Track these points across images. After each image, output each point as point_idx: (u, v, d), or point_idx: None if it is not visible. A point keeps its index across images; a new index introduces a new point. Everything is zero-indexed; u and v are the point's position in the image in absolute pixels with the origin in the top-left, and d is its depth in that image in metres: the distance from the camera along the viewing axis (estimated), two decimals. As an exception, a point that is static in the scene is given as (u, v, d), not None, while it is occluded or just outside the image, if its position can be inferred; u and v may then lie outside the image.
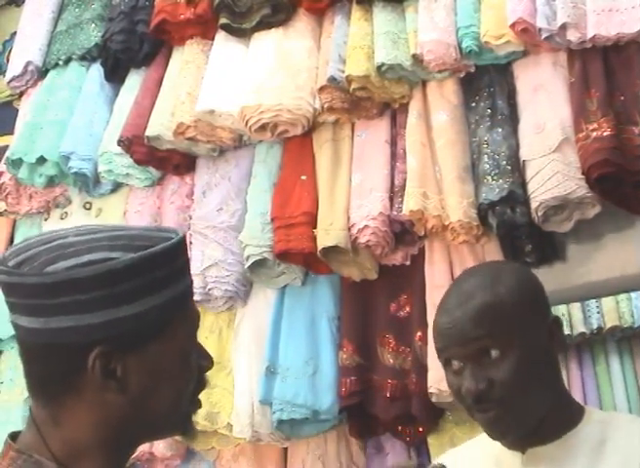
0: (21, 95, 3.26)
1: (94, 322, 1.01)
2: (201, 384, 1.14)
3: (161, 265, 1.05)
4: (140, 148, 2.74)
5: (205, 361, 1.14)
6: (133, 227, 1.13)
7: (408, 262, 2.44)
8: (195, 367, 1.12)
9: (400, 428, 2.36)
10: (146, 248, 1.04)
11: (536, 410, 1.42)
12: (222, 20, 2.73)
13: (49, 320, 1.01)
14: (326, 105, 2.52)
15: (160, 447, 2.59)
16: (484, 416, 1.42)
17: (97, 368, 1.02)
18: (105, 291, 1.01)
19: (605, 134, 2.11)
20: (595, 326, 3.63)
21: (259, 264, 2.52)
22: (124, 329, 1.02)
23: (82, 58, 3.10)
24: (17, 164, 2.94)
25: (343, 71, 2.46)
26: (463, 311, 1.42)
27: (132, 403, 1.05)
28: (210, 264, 2.56)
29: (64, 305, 1.00)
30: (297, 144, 2.64)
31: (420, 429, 2.34)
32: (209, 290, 2.57)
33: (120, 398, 1.04)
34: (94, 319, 1.01)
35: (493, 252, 2.32)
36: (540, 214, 2.19)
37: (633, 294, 3.59)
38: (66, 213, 3.05)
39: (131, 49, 2.94)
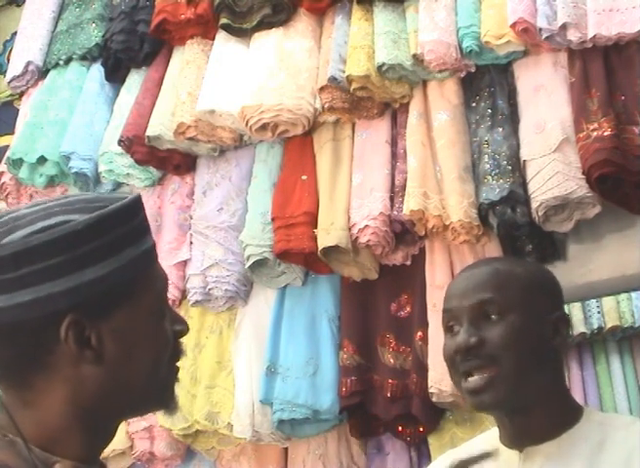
0: (22, 94, 3.26)
1: (58, 290, 0.96)
2: (177, 351, 1.09)
3: (121, 224, 1.01)
4: (141, 148, 2.74)
5: (179, 325, 1.09)
6: (85, 193, 1.10)
7: (408, 262, 2.44)
8: (170, 331, 1.07)
9: (401, 428, 2.36)
10: (103, 208, 1.00)
11: (522, 387, 1.42)
12: (223, 21, 2.73)
13: (12, 296, 0.96)
14: (326, 105, 2.52)
15: (160, 446, 2.59)
16: (471, 384, 1.41)
17: (70, 337, 0.98)
18: (66, 255, 0.96)
19: (605, 133, 2.12)
20: (596, 325, 3.63)
21: (259, 264, 2.53)
22: (91, 293, 0.98)
23: (82, 57, 3.10)
24: (17, 164, 2.94)
25: (344, 71, 2.46)
26: (473, 275, 1.49)
27: (108, 373, 1.01)
28: (210, 264, 2.56)
29: (25, 276, 0.96)
30: (297, 144, 2.64)
31: (421, 429, 2.35)
32: (209, 290, 2.57)
33: (96, 370, 1.00)
34: (57, 287, 0.96)
35: (493, 251, 2.32)
36: (540, 213, 2.19)
37: (634, 294, 3.60)
38: (67, 212, 3.05)
39: (131, 49, 2.94)
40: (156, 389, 1.07)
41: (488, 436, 1.55)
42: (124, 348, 1.02)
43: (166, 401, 1.10)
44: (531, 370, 1.43)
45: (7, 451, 0.97)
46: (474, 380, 1.41)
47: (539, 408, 1.44)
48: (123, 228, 1.01)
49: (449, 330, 1.47)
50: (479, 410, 1.49)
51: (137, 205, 1.05)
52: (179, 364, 1.10)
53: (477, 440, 1.60)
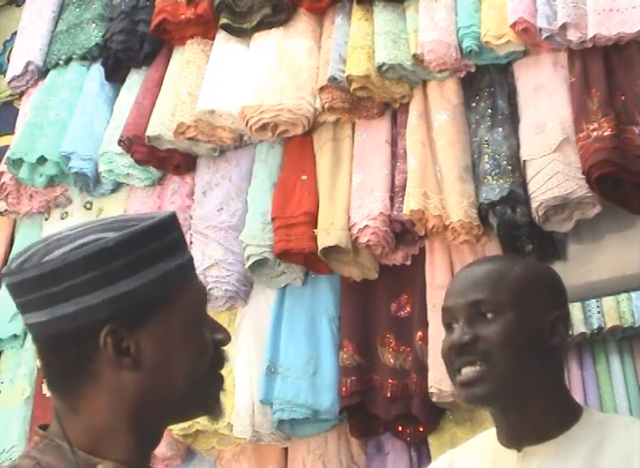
0: (22, 94, 3.26)
1: (95, 302, 1.03)
2: (219, 358, 1.14)
3: (152, 240, 1.07)
4: (141, 148, 2.74)
5: (220, 334, 1.15)
6: (125, 214, 1.16)
7: (408, 262, 2.44)
8: (209, 340, 1.12)
9: (400, 428, 2.36)
10: (136, 226, 1.07)
11: (514, 383, 1.42)
12: (223, 20, 2.73)
13: (54, 309, 1.04)
14: (326, 105, 2.52)
15: (161, 446, 2.57)
16: (463, 377, 1.43)
17: (109, 346, 1.04)
18: (101, 269, 1.03)
19: (605, 133, 2.12)
20: (596, 325, 3.63)
21: (259, 264, 2.53)
22: (126, 304, 1.05)
23: (82, 57, 3.10)
24: (17, 164, 2.94)
25: (344, 71, 2.46)
26: (469, 274, 1.51)
27: (148, 379, 1.07)
28: (210, 264, 2.56)
29: (65, 291, 1.03)
30: (297, 144, 2.64)
31: (421, 429, 2.35)
32: (209, 289, 2.56)
33: (135, 376, 1.06)
34: (95, 299, 1.03)
35: (493, 251, 2.32)
36: (540, 213, 2.19)
37: (634, 294, 3.59)
38: (67, 212, 3.05)
39: (131, 49, 2.94)
40: (197, 395, 1.12)
41: (487, 436, 1.55)
42: (161, 355, 1.08)
43: (209, 406, 1.15)
44: (524, 366, 1.43)
45: (53, 455, 1.05)
46: (466, 373, 1.43)
47: (536, 406, 1.44)
48: (155, 244, 1.07)
49: (448, 327, 1.49)
50: (470, 404, 1.49)
51: (169, 222, 1.11)
52: (222, 371, 1.15)
53: (476, 439, 1.60)
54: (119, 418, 1.07)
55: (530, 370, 1.43)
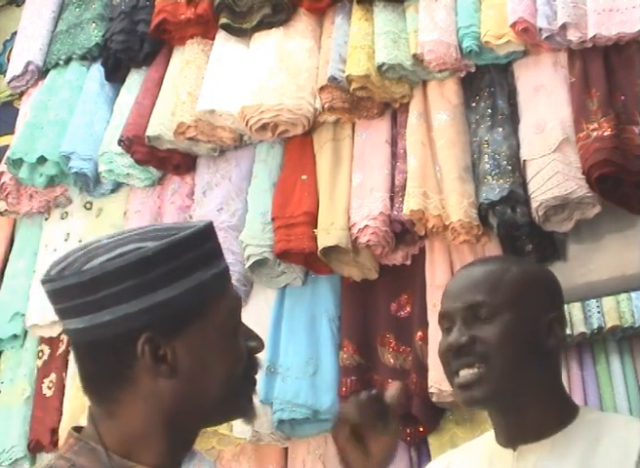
0: (22, 94, 3.26)
1: (133, 310, 1.05)
2: (253, 365, 1.17)
3: (190, 250, 1.09)
4: (141, 148, 2.74)
5: (253, 342, 1.17)
6: (162, 224, 1.18)
7: (408, 262, 2.44)
8: (243, 348, 1.14)
9: (400, 428, 2.36)
10: (174, 235, 1.09)
11: (512, 384, 1.42)
12: (223, 20, 2.73)
13: (93, 317, 1.06)
14: (326, 105, 2.52)
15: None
16: (461, 379, 1.43)
17: (146, 353, 1.07)
18: (139, 278, 1.05)
19: (605, 133, 2.12)
20: (596, 325, 3.62)
21: (259, 264, 2.53)
22: (163, 313, 1.07)
23: (82, 57, 3.10)
24: (17, 164, 2.94)
25: (344, 71, 2.46)
26: (465, 276, 1.52)
27: (184, 386, 1.09)
28: (210, 264, 2.56)
29: (103, 299, 1.05)
30: (297, 144, 2.64)
31: (421, 429, 2.34)
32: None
33: (172, 383, 1.08)
34: (133, 307, 1.05)
35: (493, 251, 2.32)
36: (540, 213, 2.19)
37: (634, 294, 3.59)
38: (67, 212, 3.05)
39: (131, 49, 2.94)
40: (231, 400, 1.14)
41: (486, 437, 1.56)
42: (197, 363, 1.10)
43: (242, 410, 1.17)
44: (521, 368, 1.43)
45: (87, 457, 1.08)
46: (464, 375, 1.43)
47: (533, 407, 1.44)
48: (192, 253, 1.09)
49: (444, 330, 1.49)
50: (469, 406, 1.50)
51: (206, 232, 1.14)
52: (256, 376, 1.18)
53: (476, 441, 1.61)
54: (154, 424, 1.09)
55: (527, 370, 1.43)
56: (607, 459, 1.39)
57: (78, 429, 1.13)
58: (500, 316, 1.42)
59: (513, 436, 1.46)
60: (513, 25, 2.28)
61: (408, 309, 2.42)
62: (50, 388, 2.85)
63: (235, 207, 2.65)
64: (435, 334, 2.25)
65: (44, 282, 1.10)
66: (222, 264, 1.16)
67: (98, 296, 1.05)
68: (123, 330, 1.06)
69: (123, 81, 3.00)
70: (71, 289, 1.07)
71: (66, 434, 1.13)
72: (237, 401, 1.15)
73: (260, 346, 1.18)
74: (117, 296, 1.05)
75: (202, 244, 1.12)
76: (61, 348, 2.89)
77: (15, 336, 2.96)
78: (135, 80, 2.97)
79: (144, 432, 1.09)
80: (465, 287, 1.48)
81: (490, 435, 1.53)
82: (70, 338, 1.12)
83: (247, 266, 2.52)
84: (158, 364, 1.08)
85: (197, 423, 1.15)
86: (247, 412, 1.18)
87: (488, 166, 2.28)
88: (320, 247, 2.39)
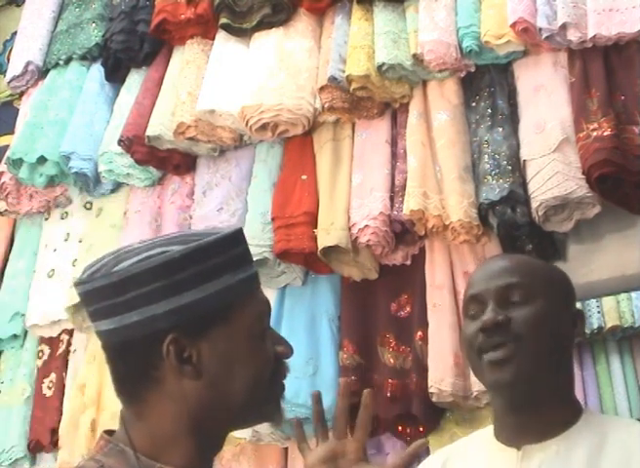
0: (22, 94, 3.26)
1: (159, 311, 1.08)
2: (281, 370, 1.17)
3: (216, 254, 1.11)
4: (141, 148, 2.74)
5: (281, 347, 1.17)
6: (190, 230, 1.20)
7: (408, 262, 2.44)
8: (271, 352, 1.15)
9: (400, 428, 2.36)
10: (200, 240, 1.11)
11: (541, 368, 1.43)
12: (223, 20, 2.73)
13: (122, 318, 1.09)
14: (326, 105, 2.52)
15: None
16: (494, 355, 1.41)
17: (171, 354, 1.08)
18: (165, 280, 1.08)
19: (605, 133, 2.12)
20: (596, 325, 3.62)
21: (259, 264, 2.52)
22: (189, 315, 1.09)
23: (82, 57, 3.10)
24: (17, 164, 2.94)
25: (344, 71, 2.46)
26: (499, 262, 1.55)
27: (208, 388, 1.10)
28: (210, 264, 2.56)
29: (132, 300, 1.08)
30: (297, 144, 2.64)
31: (421, 429, 2.34)
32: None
33: (197, 384, 1.10)
34: (159, 309, 1.08)
35: (493, 251, 2.32)
36: (540, 213, 2.19)
37: (634, 294, 3.59)
38: (67, 212, 3.05)
39: (131, 49, 2.94)
40: (258, 405, 1.15)
41: (483, 433, 1.55)
42: (222, 365, 1.11)
43: (269, 415, 1.19)
44: (550, 353, 1.44)
45: (116, 459, 1.10)
46: (495, 354, 1.42)
47: (544, 401, 1.44)
48: (219, 258, 1.11)
49: (470, 316, 1.48)
50: (497, 388, 1.45)
51: (234, 237, 1.16)
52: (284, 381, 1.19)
53: (472, 437, 1.60)
54: (181, 425, 1.11)
55: (556, 359, 1.45)
56: (611, 463, 1.39)
57: (110, 432, 1.15)
58: (534, 300, 1.44)
59: (518, 434, 1.46)
60: (513, 25, 2.28)
61: (408, 309, 2.42)
62: (50, 388, 2.85)
63: (235, 207, 2.65)
64: (435, 334, 2.26)
65: (76, 284, 1.13)
66: (251, 269, 1.17)
67: (126, 297, 1.08)
68: (150, 330, 1.08)
69: (123, 81, 3.00)
70: (101, 290, 1.10)
71: (98, 437, 1.15)
72: (264, 405, 1.16)
73: (289, 351, 1.18)
74: (145, 298, 1.08)
75: (229, 249, 1.13)
76: (61, 348, 2.89)
77: (15, 336, 2.96)
78: (135, 80, 2.97)
79: (172, 433, 1.11)
80: (499, 270, 1.49)
81: (486, 432, 1.53)
82: (102, 340, 1.14)
83: (247, 266, 2.51)
84: (183, 365, 1.09)
85: (224, 426, 1.16)
86: (274, 417, 1.19)
87: (488, 166, 2.28)
88: (320, 247, 2.39)
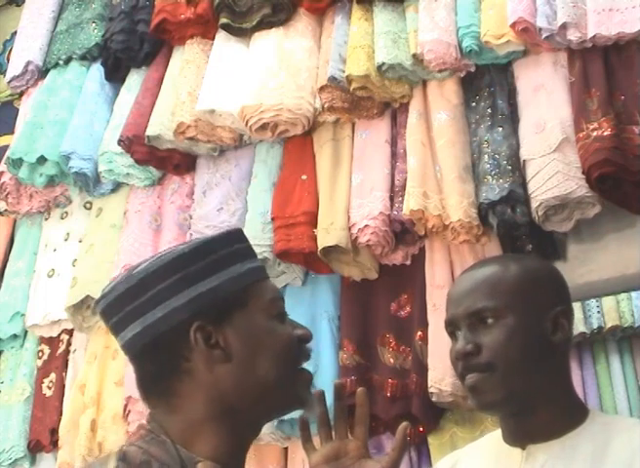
0: (22, 94, 3.26)
1: (180, 303, 1.15)
2: (302, 352, 1.23)
3: (223, 247, 1.20)
4: (141, 148, 2.74)
5: (300, 330, 1.23)
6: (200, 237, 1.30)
7: (408, 262, 2.44)
8: (292, 334, 1.21)
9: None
10: (207, 237, 1.23)
11: (522, 387, 1.43)
12: (223, 20, 2.73)
13: (145, 318, 1.15)
14: (326, 105, 2.52)
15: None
16: (470, 381, 1.43)
17: (200, 341, 1.14)
18: (180, 273, 1.16)
19: (605, 133, 2.12)
20: (595, 325, 3.62)
21: (259, 264, 2.52)
22: (207, 302, 1.16)
23: (82, 57, 3.10)
24: (17, 163, 2.94)
25: (344, 71, 2.46)
26: (467, 281, 1.52)
27: (239, 369, 1.15)
28: (210, 264, 2.56)
29: (153, 297, 1.15)
30: (297, 144, 2.64)
31: (421, 429, 2.34)
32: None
33: (228, 367, 1.15)
34: (180, 300, 1.15)
35: (493, 251, 2.32)
36: (540, 213, 2.19)
37: (634, 294, 3.58)
38: (67, 212, 3.05)
39: (131, 48, 2.94)
40: (288, 386, 1.20)
41: (492, 436, 1.55)
42: (249, 346, 1.17)
43: (301, 400, 1.23)
44: (529, 370, 1.43)
45: (159, 448, 1.13)
46: (472, 379, 1.43)
47: (544, 406, 1.44)
48: (225, 250, 1.20)
49: (451, 335, 1.50)
50: (481, 411, 1.50)
51: (236, 234, 1.26)
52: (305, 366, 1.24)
53: (482, 440, 1.61)
54: (216, 414, 1.15)
55: (536, 371, 1.44)
56: (615, 463, 1.39)
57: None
58: (503, 319, 1.43)
59: (522, 435, 1.46)
60: (513, 25, 2.28)
61: (408, 309, 2.42)
62: (50, 388, 2.85)
63: (235, 207, 2.65)
64: (435, 334, 2.25)
65: (98, 302, 1.20)
66: (257, 262, 1.25)
67: (148, 296, 1.15)
68: (175, 322, 1.14)
69: (123, 81, 3.00)
70: (124, 295, 1.17)
71: (137, 426, 1.22)
72: (294, 388, 1.20)
73: (309, 334, 1.23)
74: (165, 292, 1.15)
75: (233, 243, 1.22)
76: (61, 348, 2.89)
77: (15, 336, 2.96)
78: (135, 80, 2.97)
79: (207, 423, 1.14)
80: (465, 293, 1.48)
81: (496, 434, 1.53)
82: (129, 348, 1.19)
83: (247, 266, 2.51)
84: (212, 350, 1.14)
85: (257, 410, 1.19)
86: (306, 403, 1.23)
87: (488, 166, 2.28)
88: (320, 247, 2.39)
